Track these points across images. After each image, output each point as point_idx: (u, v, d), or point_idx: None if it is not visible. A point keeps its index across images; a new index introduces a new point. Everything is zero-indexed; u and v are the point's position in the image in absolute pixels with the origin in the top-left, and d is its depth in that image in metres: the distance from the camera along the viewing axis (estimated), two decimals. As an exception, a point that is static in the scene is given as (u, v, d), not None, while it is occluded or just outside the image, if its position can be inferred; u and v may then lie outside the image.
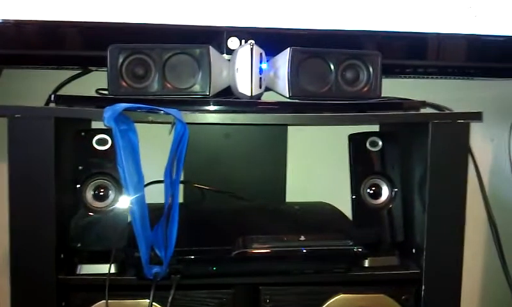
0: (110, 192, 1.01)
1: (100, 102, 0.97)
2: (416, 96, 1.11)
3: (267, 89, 1.06)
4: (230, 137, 1.19)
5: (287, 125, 1.20)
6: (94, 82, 1.11)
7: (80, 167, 1.01)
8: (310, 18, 1.13)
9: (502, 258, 1.28)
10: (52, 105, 1.01)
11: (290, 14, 1.13)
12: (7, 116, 0.90)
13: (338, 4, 1.14)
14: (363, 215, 1.07)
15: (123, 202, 1.00)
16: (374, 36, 1.16)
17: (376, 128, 1.19)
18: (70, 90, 1.14)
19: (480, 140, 1.38)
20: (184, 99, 0.97)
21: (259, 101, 1.03)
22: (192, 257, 0.92)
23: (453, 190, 0.98)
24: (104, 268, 0.93)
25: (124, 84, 0.96)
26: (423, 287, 0.99)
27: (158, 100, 0.93)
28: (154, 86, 0.97)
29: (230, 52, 1.07)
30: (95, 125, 1.06)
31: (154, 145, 1.05)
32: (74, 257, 0.97)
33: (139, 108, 0.88)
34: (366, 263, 1.01)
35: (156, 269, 0.89)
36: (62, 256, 0.95)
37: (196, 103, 0.96)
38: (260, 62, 1.00)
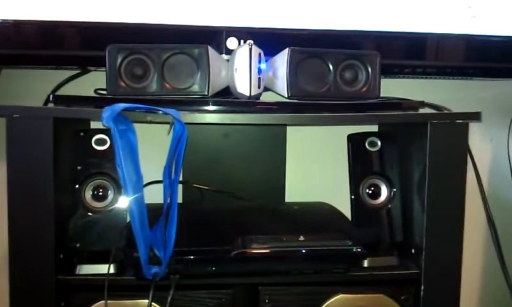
0: (109, 192, 1.01)
1: (98, 102, 0.97)
2: (415, 97, 1.11)
3: (266, 89, 1.06)
4: (228, 137, 1.19)
5: (286, 125, 1.20)
6: (93, 82, 1.11)
7: (79, 167, 1.01)
8: (309, 18, 1.13)
9: (501, 258, 1.28)
10: (50, 105, 1.01)
11: (289, 14, 1.13)
12: (5, 116, 0.90)
13: (336, 4, 1.14)
14: (362, 215, 1.08)
15: (122, 202, 1.00)
16: (372, 36, 1.16)
17: (374, 128, 1.19)
18: (68, 90, 1.14)
19: (479, 140, 1.39)
20: (183, 99, 0.97)
21: (258, 101, 1.03)
22: (192, 257, 0.92)
23: (452, 190, 0.98)
24: (103, 269, 0.93)
25: (123, 84, 0.96)
26: (422, 287, 0.99)
27: (157, 100, 0.93)
28: (153, 86, 0.97)
29: (229, 52, 1.07)
30: (94, 125, 1.06)
31: (153, 145, 1.05)
32: (73, 257, 0.97)
33: (137, 108, 0.88)
34: (365, 263, 1.01)
35: (155, 269, 0.89)
36: (61, 256, 0.95)
37: (194, 103, 0.96)
38: (259, 62, 1.00)
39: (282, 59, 1.00)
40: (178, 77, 0.98)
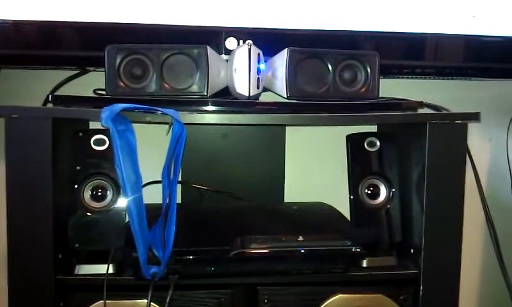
0: (108, 192, 1.01)
1: (97, 102, 0.97)
2: (414, 97, 1.11)
3: (265, 89, 1.06)
4: (228, 138, 1.19)
5: (285, 125, 1.20)
6: (92, 83, 1.11)
7: (78, 168, 1.01)
8: (308, 19, 1.13)
9: (500, 258, 1.28)
10: (49, 105, 1.01)
11: (288, 14, 1.13)
12: (4, 116, 0.90)
13: (336, 4, 1.14)
14: (361, 216, 1.08)
15: (121, 202, 1.00)
16: (371, 37, 1.16)
17: (373, 128, 1.19)
18: (67, 90, 1.14)
19: (478, 140, 1.39)
20: (182, 99, 0.97)
21: (257, 101, 1.03)
22: (191, 257, 0.92)
23: (451, 191, 0.98)
24: (102, 269, 0.93)
25: (122, 84, 0.96)
26: (421, 287, 0.99)
27: (156, 100, 0.93)
28: (152, 86, 0.97)
29: (228, 52, 1.07)
30: (93, 125, 1.06)
31: (152, 145, 1.05)
32: (72, 257, 0.98)
33: (136, 108, 0.88)
34: (364, 263, 1.01)
35: (154, 269, 0.89)
36: (60, 256, 0.95)
37: (193, 103, 0.96)
38: (258, 62, 1.00)
39: (281, 60, 1.00)
40: (177, 77, 0.98)
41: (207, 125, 1.13)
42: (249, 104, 1.00)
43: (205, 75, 0.97)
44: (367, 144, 1.10)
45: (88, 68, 1.17)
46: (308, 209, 1.16)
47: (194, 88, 0.97)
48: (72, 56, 1.13)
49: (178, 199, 1.07)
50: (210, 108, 0.96)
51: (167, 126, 0.88)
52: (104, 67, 0.96)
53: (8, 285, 0.91)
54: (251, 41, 1.01)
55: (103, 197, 1.01)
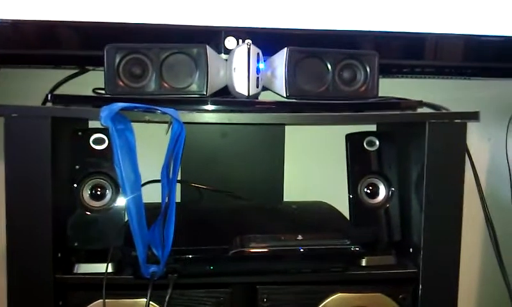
0: (107, 191, 1.01)
1: (97, 101, 0.97)
2: (414, 96, 1.11)
3: (265, 88, 1.06)
4: (227, 137, 1.19)
5: (284, 124, 1.20)
6: (91, 82, 1.10)
7: (77, 167, 1.01)
8: (307, 18, 1.13)
9: (499, 257, 1.28)
10: (49, 104, 1.01)
11: (288, 14, 1.13)
12: (4, 115, 0.90)
13: (335, 4, 1.14)
14: (361, 215, 1.08)
15: (120, 201, 1.00)
16: (371, 36, 1.16)
17: (373, 127, 1.19)
18: (67, 90, 1.14)
19: (478, 139, 1.39)
20: (181, 98, 0.97)
21: (256, 100, 1.03)
22: (190, 256, 0.92)
23: (450, 190, 0.98)
24: (101, 268, 0.93)
25: (121, 83, 0.96)
26: (420, 286, 0.99)
27: (155, 99, 0.93)
28: (151, 85, 0.97)
29: (228, 51, 1.07)
30: (92, 124, 1.06)
31: (151, 144, 1.05)
32: (71, 256, 0.97)
33: (136, 107, 0.88)
34: (363, 263, 1.01)
35: (153, 268, 0.89)
36: (59, 255, 0.95)
37: (193, 102, 0.96)
38: (258, 61, 1.00)
39: (280, 59, 1.00)
40: (176, 77, 0.98)
41: (206, 124, 1.13)
42: (249, 103, 1.00)
43: (204, 74, 0.97)
44: (366, 144, 1.10)
45: (87, 67, 1.17)
46: (308, 208, 1.16)
47: (194, 87, 0.97)
48: (71, 55, 1.13)
49: (178, 198, 1.08)
50: (209, 107, 0.96)
51: (166, 125, 0.88)
52: (103, 66, 0.96)
53: (7, 284, 0.91)
54: (250, 41, 1.01)
55: (102, 196, 1.01)
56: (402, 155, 1.08)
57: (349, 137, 1.11)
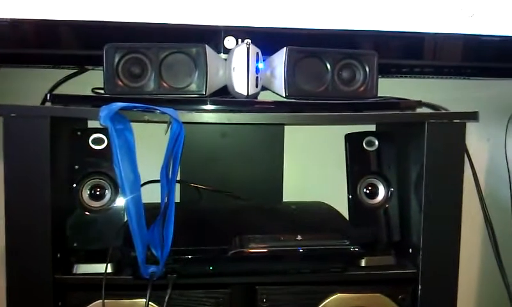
0: (106, 191, 1.01)
1: (96, 101, 0.97)
2: (413, 96, 1.11)
3: (264, 88, 1.06)
4: (226, 137, 1.19)
5: (283, 124, 1.20)
6: (90, 82, 1.10)
7: (76, 167, 1.01)
8: (307, 18, 1.13)
9: (498, 257, 1.28)
10: (48, 104, 1.01)
11: (287, 13, 1.13)
12: (3, 115, 0.90)
13: (334, 3, 1.14)
14: (360, 215, 1.08)
15: (120, 201, 1.00)
16: (370, 36, 1.16)
17: (372, 127, 1.19)
18: (66, 89, 1.14)
19: (477, 140, 1.39)
20: (180, 98, 0.97)
21: (256, 100, 1.03)
22: (189, 256, 0.92)
23: (449, 190, 0.98)
24: (100, 268, 0.93)
25: (120, 83, 0.96)
26: (419, 287, 0.99)
27: (154, 99, 0.93)
28: (150, 85, 0.97)
29: (227, 51, 1.07)
30: (91, 124, 1.05)
31: (150, 144, 1.05)
32: (71, 256, 0.97)
33: (135, 107, 0.88)
34: (362, 263, 1.01)
35: (152, 269, 0.89)
36: (58, 255, 0.95)
37: (192, 102, 0.96)
38: (257, 61, 1.00)
39: (280, 59, 1.00)
40: (175, 76, 0.97)
41: (205, 124, 1.13)
42: (248, 103, 0.99)
43: (203, 74, 0.96)
44: (365, 144, 1.10)
45: (86, 66, 1.17)
46: (307, 208, 1.16)
47: (193, 87, 0.97)
48: (71, 55, 1.13)
49: (177, 199, 1.08)
50: (208, 107, 0.96)
51: (165, 125, 0.87)
52: (103, 66, 0.96)
53: (7, 284, 0.91)
54: (249, 40, 1.01)
55: (101, 196, 1.01)
56: (401, 155, 1.08)
57: (349, 137, 1.11)
